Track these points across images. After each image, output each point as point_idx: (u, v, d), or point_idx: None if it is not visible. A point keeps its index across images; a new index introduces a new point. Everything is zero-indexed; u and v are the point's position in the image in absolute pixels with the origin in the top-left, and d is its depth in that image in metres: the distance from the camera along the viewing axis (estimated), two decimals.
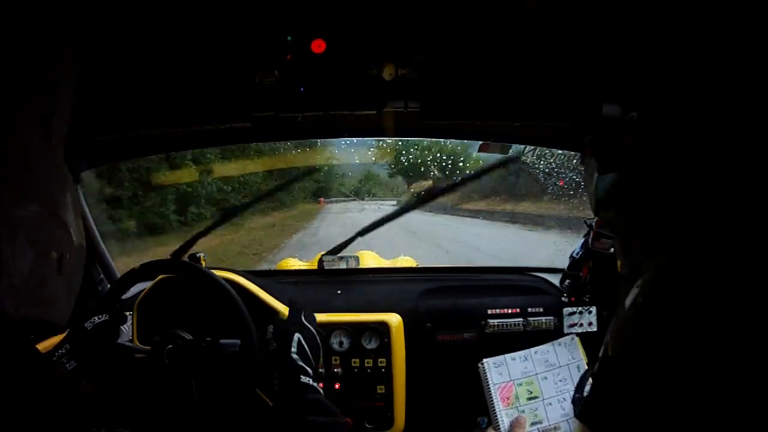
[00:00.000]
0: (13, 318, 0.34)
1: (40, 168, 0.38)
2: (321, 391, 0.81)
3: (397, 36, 0.72)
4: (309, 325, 0.91)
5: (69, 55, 0.40)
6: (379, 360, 1.07)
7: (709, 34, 0.31)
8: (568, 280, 1.18)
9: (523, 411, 0.90)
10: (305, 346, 0.87)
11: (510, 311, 1.13)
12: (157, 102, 0.80)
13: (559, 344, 0.98)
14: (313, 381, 0.82)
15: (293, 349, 0.85)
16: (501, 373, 0.94)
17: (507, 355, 0.96)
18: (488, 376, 0.94)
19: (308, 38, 0.70)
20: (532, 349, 0.97)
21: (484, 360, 0.96)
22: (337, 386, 1.07)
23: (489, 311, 1.13)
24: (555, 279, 1.22)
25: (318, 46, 0.70)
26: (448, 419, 1.17)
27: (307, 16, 0.69)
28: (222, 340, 0.96)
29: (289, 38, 0.70)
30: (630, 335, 0.36)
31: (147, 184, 6.12)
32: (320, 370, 0.94)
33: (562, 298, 1.15)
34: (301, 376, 0.81)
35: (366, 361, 1.07)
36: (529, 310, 1.13)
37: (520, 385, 0.93)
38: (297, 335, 0.87)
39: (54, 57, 0.38)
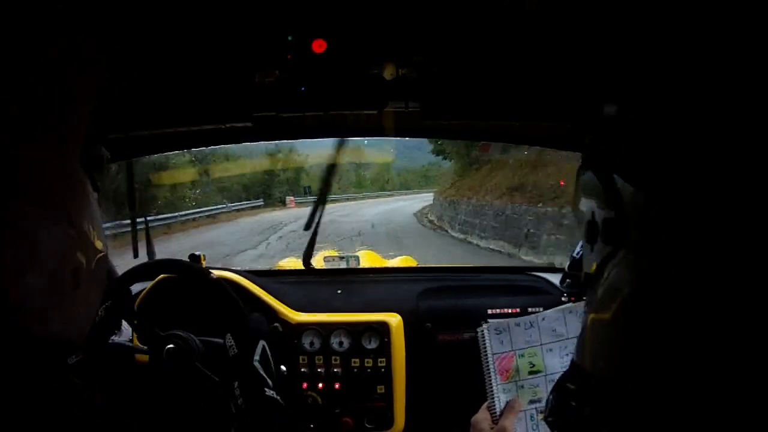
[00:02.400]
0: (29, 333, 0.34)
1: (58, 177, 0.36)
2: (283, 404, 0.79)
3: (397, 36, 0.72)
4: (273, 334, 0.89)
5: (89, 55, 0.38)
6: (379, 360, 1.07)
7: (710, 35, 0.31)
8: (568, 280, 1.18)
9: (522, 386, 0.82)
10: (269, 354, 0.84)
11: (510, 311, 1.13)
12: (157, 102, 0.80)
13: (570, 312, 0.84)
14: (276, 394, 0.79)
15: (256, 357, 0.83)
16: (502, 341, 0.84)
17: (511, 320, 0.85)
18: (487, 343, 0.84)
19: (309, 38, 0.70)
20: (540, 315, 0.85)
21: (485, 325, 0.85)
22: (337, 386, 1.07)
23: (489, 311, 1.13)
24: (555, 279, 1.22)
25: (319, 45, 0.70)
26: (448, 419, 1.17)
27: (308, 16, 0.69)
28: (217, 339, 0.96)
29: (289, 38, 0.70)
30: (621, 350, 0.35)
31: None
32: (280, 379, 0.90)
33: (562, 298, 1.15)
34: (266, 389, 0.78)
35: (366, 361, 1.07)
36: (530, 309, 1.13)
37: (522, 356, 0.82)
38: (262, 342, 0.85)
39: (72, 56, 0.37)
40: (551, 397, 0.44)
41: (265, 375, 0.81)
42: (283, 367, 1.04)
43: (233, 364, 0.84)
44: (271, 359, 0.85)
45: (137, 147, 1.14)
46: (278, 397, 0.80)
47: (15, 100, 0.33)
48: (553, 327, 0.84)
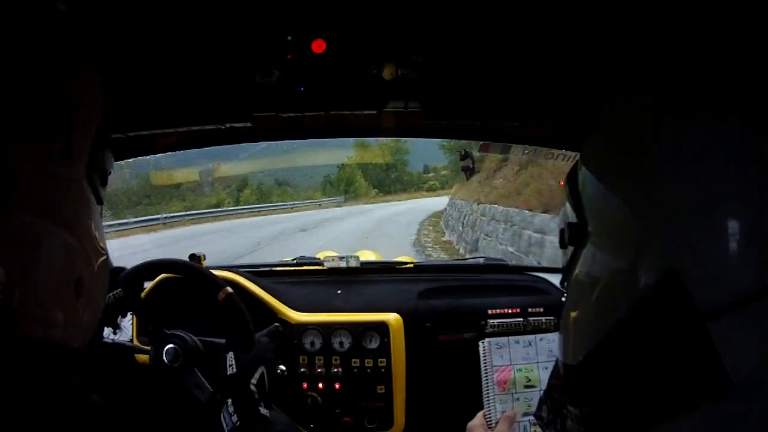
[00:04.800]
0: (30, 340, 0.34)
1: (62, 188, 0.37)
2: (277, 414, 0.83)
3: (397, 36, 0.72)
4: (276, 364, 0.93)
5: (93, 68, 0.39)
6: (380, 360, 1.07)
7: (709, 35, 0.31)
8: None
9: (518, 399, 0.86)
10: (265, 382, 0.87)
11: (510, 311, 1.13)
12: (157, 102, 0.80)
13: None
14: (269, 413, 0.83)
15: (253, 381, 0.85)
16: (502, 355, 0.89)
17: (510, 338, 0.90)
18: (488, 357, 0.88)
19: (308, 38, 0.70)
20: (538, 336, 0.91)
21: (486, 340, 0.89)
22: (337, 386, 1.07)
23: (489, 311, 1.13)
24: (555, 279, 1.22)
25: (318, 45, 0.70)
26: (448, 419, 1.17)
27: (308, 16, 0.69)
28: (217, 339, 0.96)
29: (289, 38, 0.70)
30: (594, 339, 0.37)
31: None
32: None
33: (563, 298, 1.14)
34: (260, 408, 0.81)
35: (366, 361, 1.07)
36: (530, 309, 1.13)
37: (519, 370, 0.87)
38: (262, 368, 0.88)
39: (77, 71, 0.38)
40: (543, 395, 0.46)
41: (258, 398, 0.85)
42: (282, 367, 1.04)
43: (229, 382, 0.85)
44: (266, 384, 0.89)
45: (137, 147, 1.14)
46: (269, 415, 0.83)
47: (19, 109, 0.33)
48: (550, 348, 0.89)
